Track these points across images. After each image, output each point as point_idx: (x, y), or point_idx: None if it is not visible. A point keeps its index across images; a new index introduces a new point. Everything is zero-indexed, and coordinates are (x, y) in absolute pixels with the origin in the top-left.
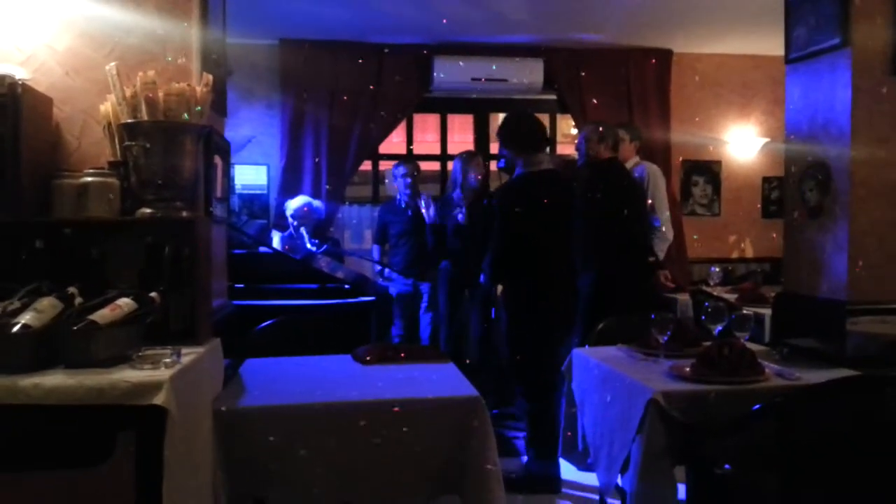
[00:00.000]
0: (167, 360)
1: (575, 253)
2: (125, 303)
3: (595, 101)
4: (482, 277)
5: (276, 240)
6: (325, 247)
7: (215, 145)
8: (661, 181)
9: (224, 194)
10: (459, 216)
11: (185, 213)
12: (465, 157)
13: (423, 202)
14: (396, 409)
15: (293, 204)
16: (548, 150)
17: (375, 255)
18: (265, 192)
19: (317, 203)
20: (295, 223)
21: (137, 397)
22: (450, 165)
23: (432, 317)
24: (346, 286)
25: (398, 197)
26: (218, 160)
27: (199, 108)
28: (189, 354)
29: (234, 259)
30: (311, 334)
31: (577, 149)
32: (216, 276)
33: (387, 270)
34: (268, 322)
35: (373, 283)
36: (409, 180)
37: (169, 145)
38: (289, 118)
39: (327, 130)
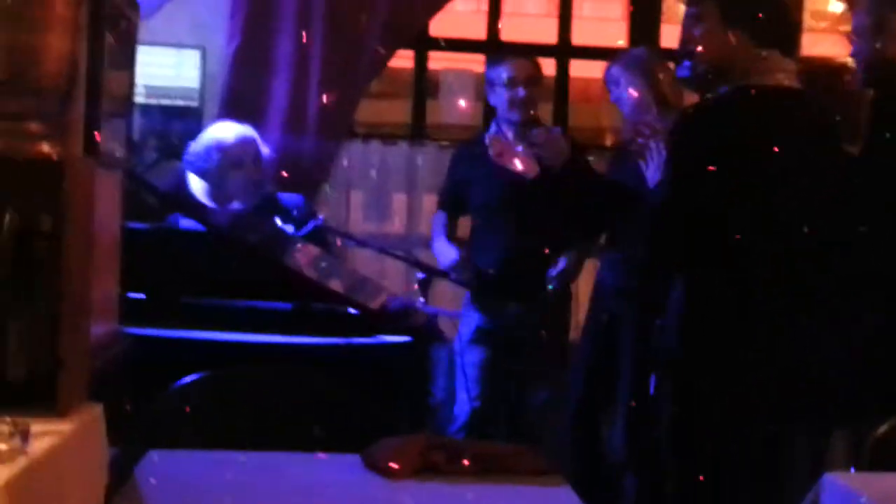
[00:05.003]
0: (1, 446)
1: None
2: None
3: None
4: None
5: (200, 189)
6: (311, 224)
7: (111, 10)
8: None
9: (122, 108)
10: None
11: (45, 147)
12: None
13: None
14: None
15: (218, 134)
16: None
17: (438, 233)
18: (196, 102)
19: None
20: (221, 180)
21: None
22: (581, 67)
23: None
24: (350, 310)
25: (496, 129)
26: (111, 39)
27: None
28: (44, 436)
29: (131, 243)
30: (278, 405)
31: (853, 46)
32: (102, 276)
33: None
34: (193, 376)
35: (407, 307)
36: (521, 93)
37: (17, 5)
38: None
39: None
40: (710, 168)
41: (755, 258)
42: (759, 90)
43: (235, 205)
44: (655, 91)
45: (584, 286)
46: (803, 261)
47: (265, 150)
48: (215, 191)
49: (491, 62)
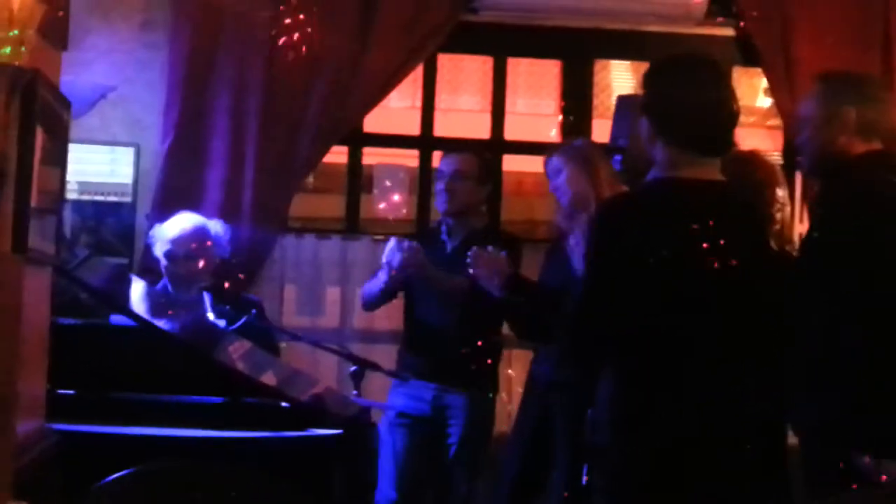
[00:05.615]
0: None
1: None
2: None
3: (819, 34)
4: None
5: (139, 297)
6: (243, 319)
7: (42, 108)
8: None
9: (52, 205)
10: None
11: None
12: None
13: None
14: None
15: (170, 228)
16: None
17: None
18: (130, 198)
19: (216, 226)
20: (172, 269)
21: None
22: (514, 162)
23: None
24: (283, 404)
25: (442, 221)
26: (41, 135)
27: (14, 31)
28: None
29: (61, 339)
30: (209, 500)
31: (800, 135)
32: (29, 373)
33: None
34: (123, 472)
35: (337, 400)
36: (440, 186)
37: None
38: (184, 55)
39: (262, 84)
40: (628, 257)
41: (681, 345)
42: (679, 182)
43: (176, 321)
44: (594, 182)
45: (518, 377)
46: (735, 345)
47: (220, 238)
48: (160, 292)
49: None
